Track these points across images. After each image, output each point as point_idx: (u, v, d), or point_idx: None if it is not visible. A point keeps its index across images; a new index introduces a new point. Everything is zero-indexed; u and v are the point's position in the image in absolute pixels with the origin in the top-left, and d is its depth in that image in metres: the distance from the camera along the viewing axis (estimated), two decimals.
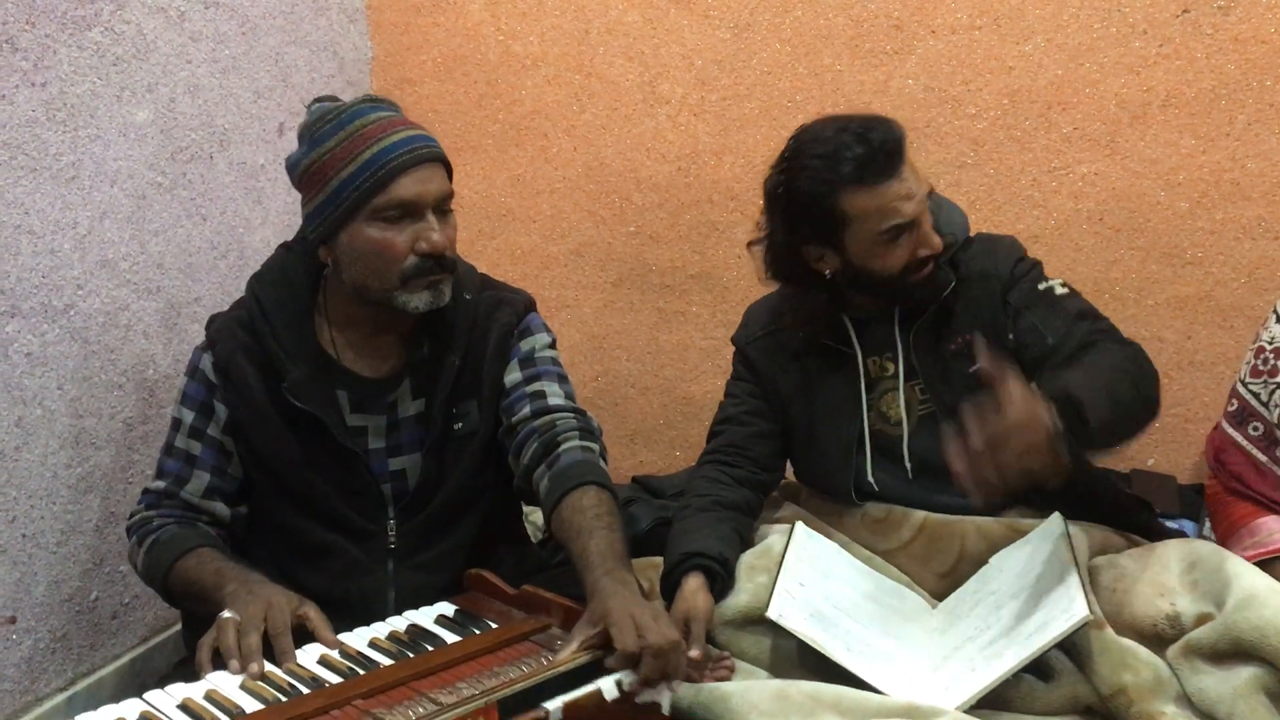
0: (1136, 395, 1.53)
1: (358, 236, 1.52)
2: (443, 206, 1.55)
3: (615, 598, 1.34)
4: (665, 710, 1.31)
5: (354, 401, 1.61)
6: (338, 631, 1.41)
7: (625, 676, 1.30)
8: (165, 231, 1.97)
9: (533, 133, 2.62)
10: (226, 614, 1.35)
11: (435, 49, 2.64)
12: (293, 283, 1.62)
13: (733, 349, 1.90)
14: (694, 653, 1.50)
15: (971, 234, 1.79)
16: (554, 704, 1.21)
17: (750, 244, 1.77)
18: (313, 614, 1.40)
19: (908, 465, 1.77)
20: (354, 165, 1.49)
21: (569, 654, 1.31)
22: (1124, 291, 2.34)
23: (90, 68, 1.78)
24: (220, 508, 1.59)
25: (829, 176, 1.62)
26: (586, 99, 2.57)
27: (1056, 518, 1.66)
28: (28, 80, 1.65)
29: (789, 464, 1.90)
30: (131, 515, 1.60)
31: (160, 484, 1.59)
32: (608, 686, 1.27)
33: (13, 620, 1.65)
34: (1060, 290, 1.71)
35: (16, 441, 1.65)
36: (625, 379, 2.66)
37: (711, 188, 2.53)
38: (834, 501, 1.84)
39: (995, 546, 1.70)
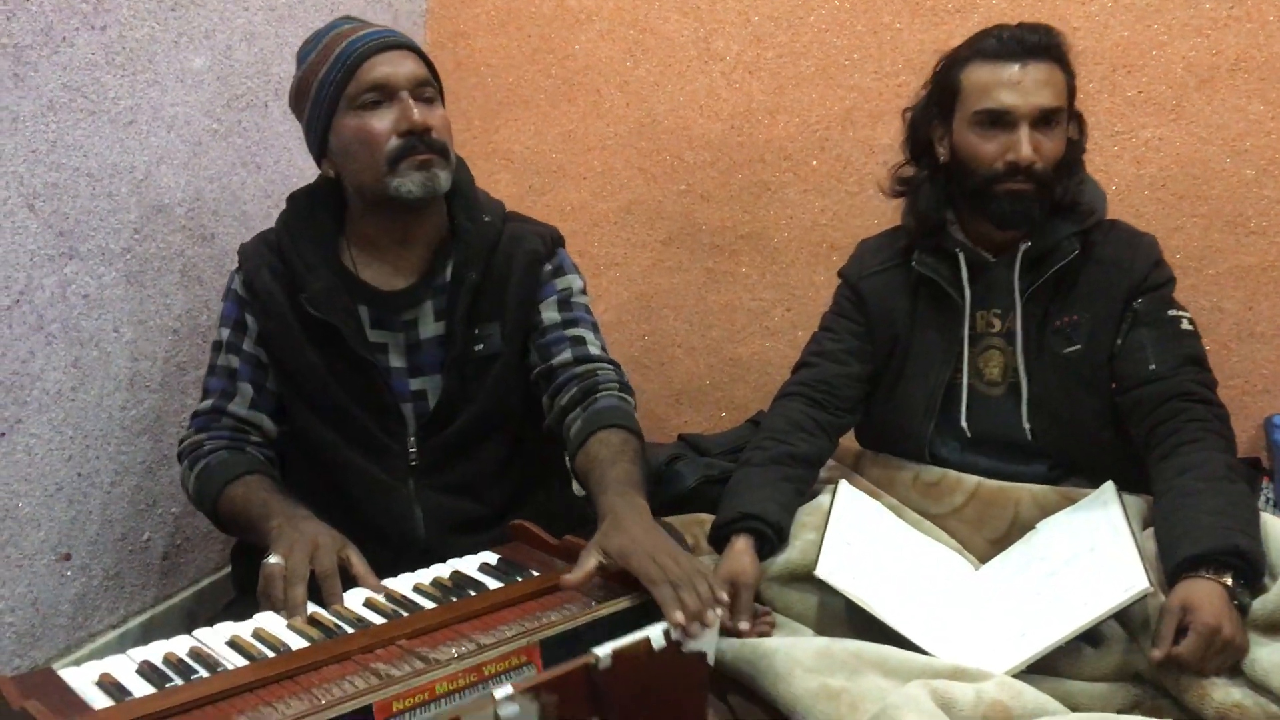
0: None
1: (342, 132, 1.56)
2: (422, 93, 1.57)
3: (628, 530, 1.35)
4: (711, 658, 1.30)
5: (374, 317, 1.63)
6: (376, 563, 1.42)
7: (671, 626, 1.29)
8: (220, 178, 1.98)
9: (585, 88, 2.60)
10: (273, 559, 1.35)
11: (489, 2, 2.63)
12: (318, 204, 1.66)
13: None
14: (742, 625, 1.50)
15: (1110, 218, 1.76)
16: (604, 650, 1.21)
17: (905, 110, 1.81)
18: (355, 558, 1.41)
19: (968, 429, 1.75)
20: (327, 65, 1.56)
21: (579, 576, 1.32)
22: (1185, 260, 2.29)
23: (149, 12, 1.78)
24: (266, 421, 1.64)
25: (967, 51, 1.67)
26: (640, 54, 2.55)
27: (1109, 487, 1.65)
28: (88, 23, 1.66)
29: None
30: (182, 440, 1.63)
31: (207, 403, 1.63)
32: (655, 635, 1.26)
33: (67, 557, 1.68)
34: (1186, 326, 1.68)
35: (73, 382, 1.67)
36: (672, 339, 2.65)
37: (764, 147, 2.51)
38: (896, 460, 1.82)
39: (1049, 514, 1.68)
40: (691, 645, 1.27)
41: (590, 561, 1.34)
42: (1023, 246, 1.69)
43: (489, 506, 1.67)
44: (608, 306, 2.64)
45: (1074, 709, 1.35)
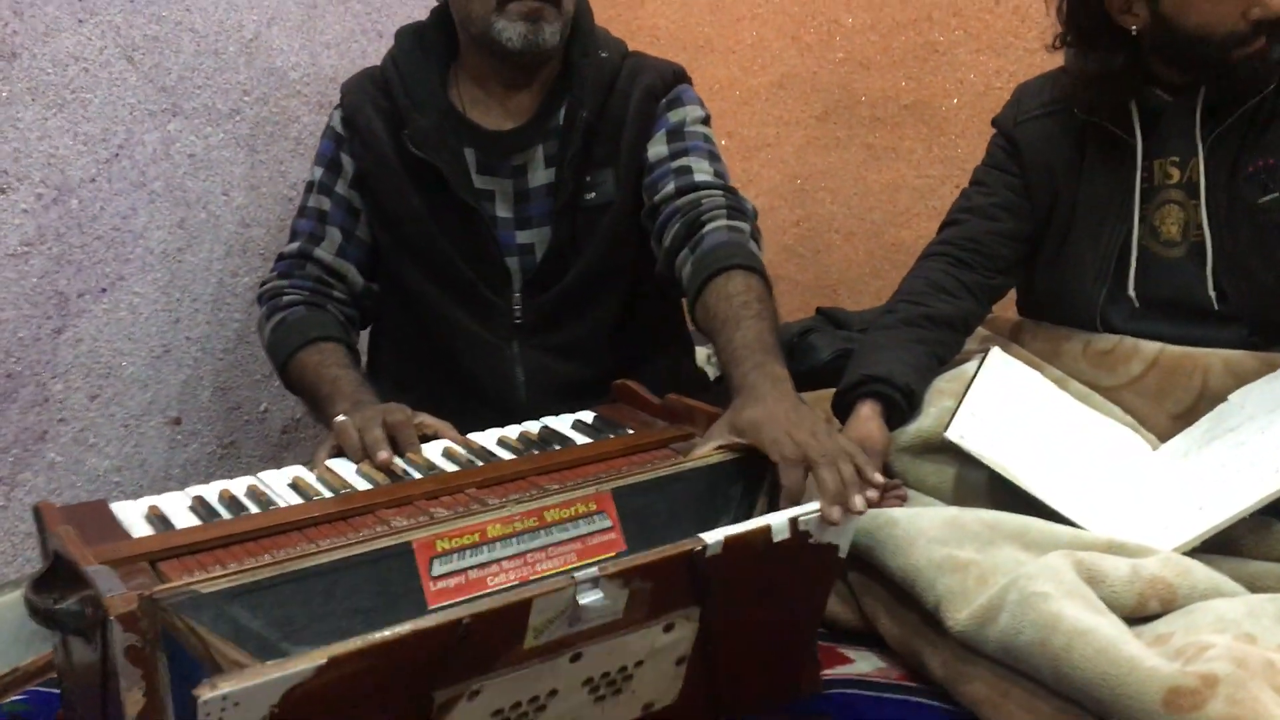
0: None
1: None
2: None
3: (763, 402, 1.16)
4: (843, 551, 1.11)
5: (481, 162, 1.52)
6: (475, 425, 1.32)
7: (805, 515, 1.05)
8: (339, 44, 1.91)
9: None
10: (342, 417, 1.27)
11: None
12: (428, 40, 1.57)
13: (992, 133, 1.66)
14: (870, 493, 1.31)
15: None
16: (713, 537, 1.01)
17: None
18: (430, 420, 1.30)
19: (1135, 297, 1.50)
20: None
21: (704, 452, 1.16)
22: None
23: None
24: (353, 272, 1.56)
25: None
26: None
27: None
28: None
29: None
30: (264, 282, 1.57)
31: (294, 245, 1.56)
32: (778, 524, 1.04)
33: (178, 421, 1.65)
34: None
35: (179, 243, 1.64)
36: (829, 223, 2.45)
37: (931, 4, 2.25)
38: (1061, 329, 1.59)
39: (1244, 383, 1.42)
40: (824, 537, 1.09)
41: (711, 442, 1.17)
42: (1203, 85, 1.43)
43: (598, 371, 1.53)
44: (759, 191, 2.46)
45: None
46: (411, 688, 0.87)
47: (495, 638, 0.88)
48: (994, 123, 1.66)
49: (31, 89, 1.41)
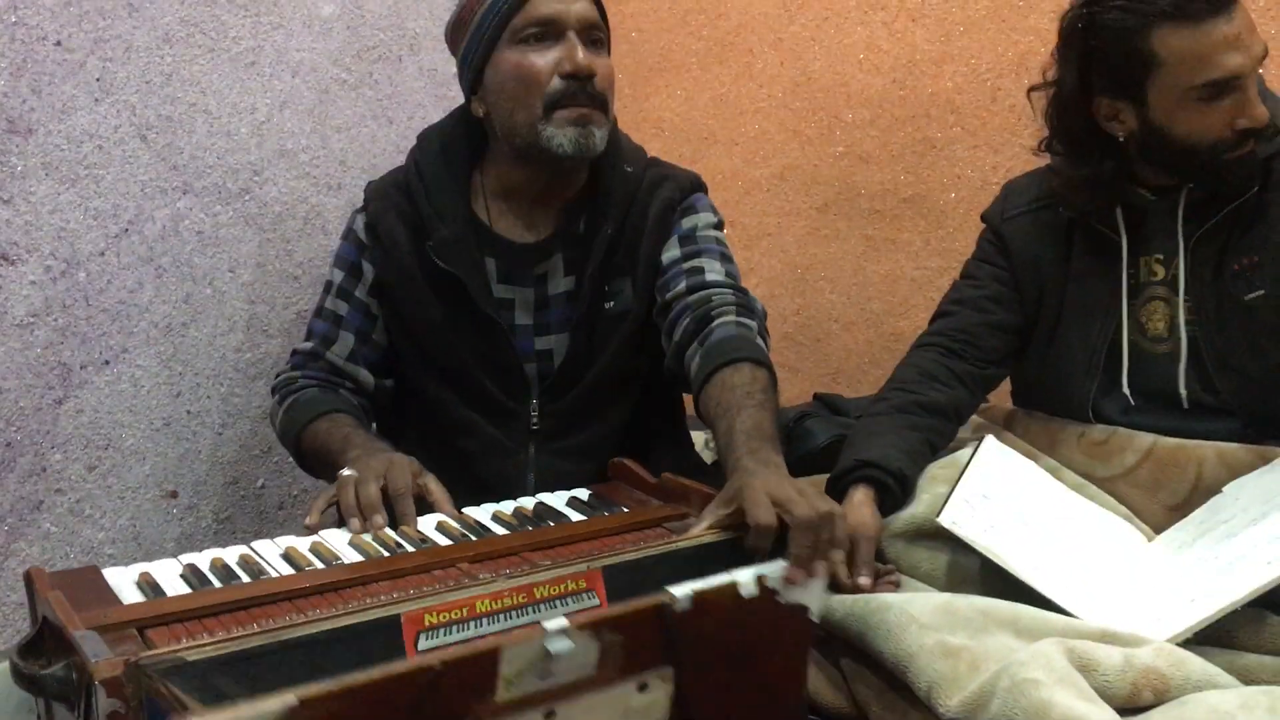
0: None
1: (500, 65, 1.46)
2: (591, 35, 1.46)
3: (755, 476, 1.18)
4: (815, 614, 1.12)
5: (502, 271, 1.53)
6: None
7: (768, 569, 1.11)
8: (349, 129, 1.96)
9: (737, 49, 2.48)
10: (346, 471, 1.28)
11: None
12: (453, 147, 1.57)
13: (981, 228, 1.68)
14: (862, 580, 1.32)
15: None
16: (682, 590, 1.04)
17: (1031, 89, 1.54)
18: (433, 485, 1.31)
19: (1129, 394, 1.52)
20: None
21: (697, 532, 1.16)
22: None
23: None
24: (364, 374, 1.56)
25: (1143, 7, 1.37)
26: (795, 8, 2.41)
27: None
28: None
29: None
30: (278, 375, 1.58)
31: (308, 345, 1.57)
32: (745, 579, 1.08)
33: (174, 495, 1.66)
34: None
35: (184, 318, 1.66)
36: (829, 313, 2.47)
37: (929, 101, 2.31)
38: (1055, 420, 1.60)
39: (1237, 475, 1.42)
40: (791, 596, 1.09)
41: (704, 521, 1.19)
42: (1186, 185, 1.46)
43: (604, 468, 1.54)
44: (760, 280, 2.49)
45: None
46: None
47: (467, 686, 0.88)
48: (983, 218, 1.69)
49: (46, 164, 1.45)
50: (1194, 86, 1.38)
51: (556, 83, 1.43)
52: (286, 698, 0.77)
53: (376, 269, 1.55)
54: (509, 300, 1.54)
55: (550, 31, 1.44)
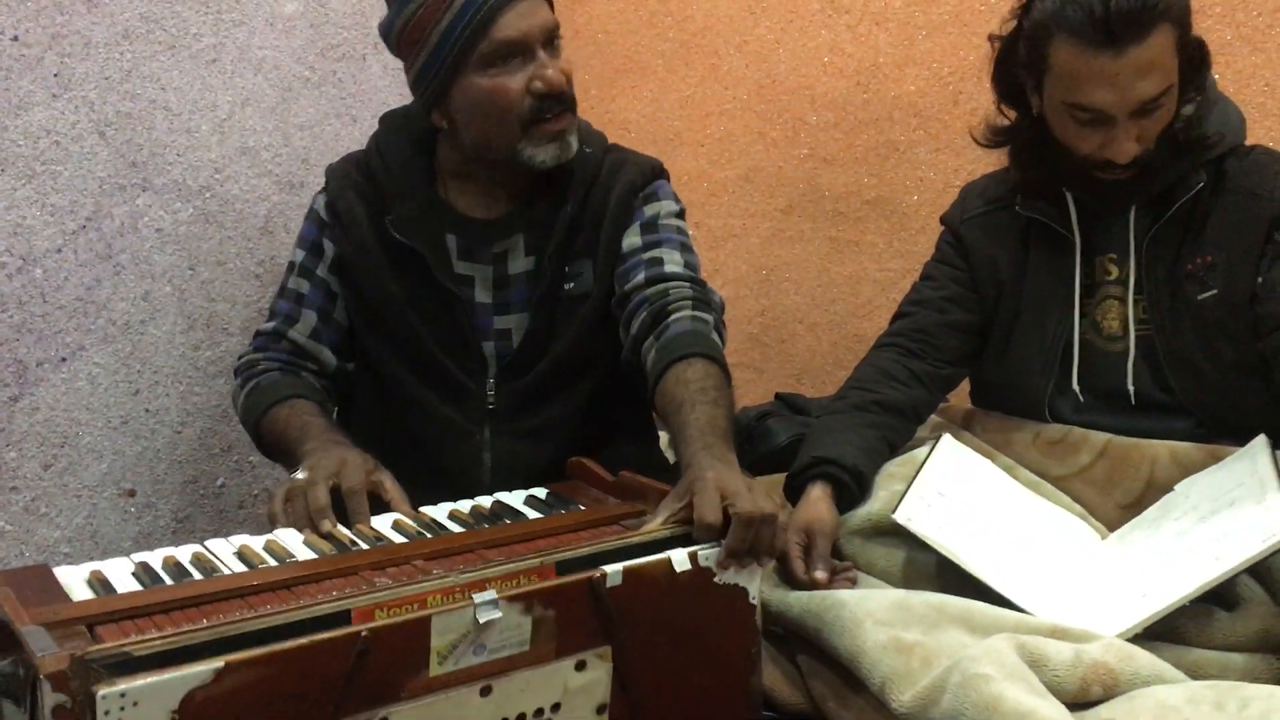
0: None
1: (470, 90, 1.44)
2: (551, 40, 1.46)
3: (709, 470, 1.19)
4: (753, 597, 1.14)
5: (462, 248, 1.54)
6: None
7: (704, 550, 1.13)
8: (312, 127, 1.95)
9: (703, 50, 2.48)
10: (299, 474, 1.28)
11: None
12: (413, 127, 1.57)
13: (939, 231, 1.71)
14: (819, 575, 1.33)
15: (1249, 143, 1.52)
16: (613, 568, 1.06)
17: (991, 36, 1.55)
18: (388, 483, 1.31)
19: (1079, 391, 1.54)
20: (450, 14, 1.41)
21: (651, 528, 1.17)
22: None
23: None
24: (326, 354, 1.56)
25: (1060, 10, 1.38)
26: (760, 11, 2.42)
27: (1260, 440, 1.40)
28: None
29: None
30: (240, 356, 1.57)
31: (271, 324, 1.57)
32: (679, 557, 1.10)
33: (131, 493, 1.65)
34: None
35: (143, 315, 1.65)
36: (793, 314, 2.49)
37: (892, 104, 2.33)
38: (1012, 419, 1.61)
39: (1190, 473, 1.44)
40: (727, 577, 1.11)
41: (658, 517, 1.19)
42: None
43: (563, 456, 1.54)
44: (725, 281, 2.50)
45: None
46: (317, 712, 0.86)
47: (399, 659, 0.89)
48: (942, 220, 1.71)
49: (2, 160, 1.44)
50: (1065, 103, 1.41)
51: (530, 101, 1.44)
52: (214, 662, 0.79)
53: (337, 246, 1.55)
54: (469, 277, 1.54)
55: (516, 51, 1.43)
